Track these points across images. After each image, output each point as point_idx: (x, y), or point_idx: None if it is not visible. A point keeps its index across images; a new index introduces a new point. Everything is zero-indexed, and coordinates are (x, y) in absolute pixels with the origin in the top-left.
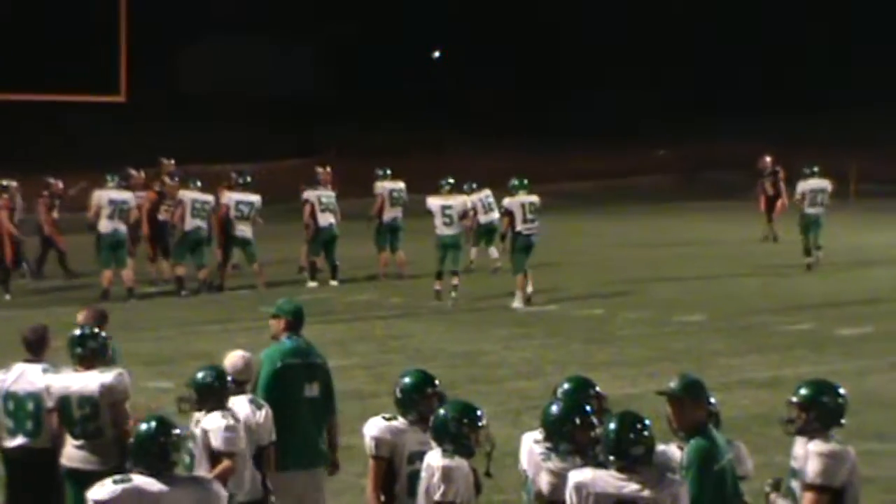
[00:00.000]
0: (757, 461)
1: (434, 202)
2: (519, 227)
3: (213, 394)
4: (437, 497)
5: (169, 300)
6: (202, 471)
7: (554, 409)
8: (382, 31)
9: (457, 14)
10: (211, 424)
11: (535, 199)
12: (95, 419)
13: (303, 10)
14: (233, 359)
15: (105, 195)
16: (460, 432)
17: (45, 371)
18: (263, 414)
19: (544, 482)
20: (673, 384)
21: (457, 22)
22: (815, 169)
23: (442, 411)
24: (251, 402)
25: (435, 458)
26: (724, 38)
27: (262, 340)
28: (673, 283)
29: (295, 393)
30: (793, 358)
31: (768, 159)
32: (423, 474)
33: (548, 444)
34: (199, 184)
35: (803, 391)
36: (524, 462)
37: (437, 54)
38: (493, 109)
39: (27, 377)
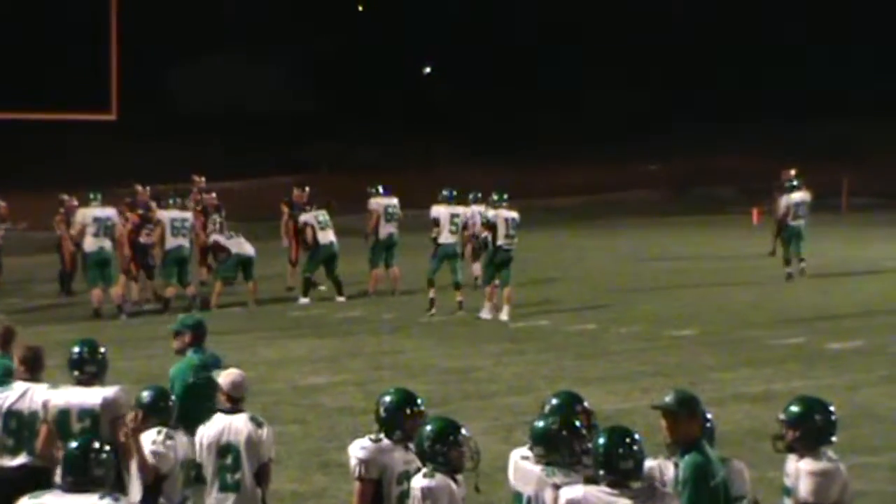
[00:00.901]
0: (749, 476)
1: (442, 210)
2: (500, 241)
3: (156, 412)
4: None
5: (160, 318)
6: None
7: (541, 423)
8: (369, 46)
9: (445, 29)
10: (145, 440)
11: (515, 215)
12: (94, 433)
13: (288, 25)
14: (229, 377)
15: (89, 213)
16: (438, 450)
17: (49, 389)
18: (265, 432)
19: (549, 497)
20: (668, 398)
21: (446, 37)
22: (795, 182)
23: (423, 431)
24: (251, 419)
25: (416, 480)
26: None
27: (255, 357)
28: (665, 297)
29: (209, 405)
30: (785, 372)
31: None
32: (413, 499)
33: (541, 459)
34: (178, 200)
35: (793, 408)
36: (516, 479)
37: (427, 70)
38: (482, 123)
39: (32, 396)
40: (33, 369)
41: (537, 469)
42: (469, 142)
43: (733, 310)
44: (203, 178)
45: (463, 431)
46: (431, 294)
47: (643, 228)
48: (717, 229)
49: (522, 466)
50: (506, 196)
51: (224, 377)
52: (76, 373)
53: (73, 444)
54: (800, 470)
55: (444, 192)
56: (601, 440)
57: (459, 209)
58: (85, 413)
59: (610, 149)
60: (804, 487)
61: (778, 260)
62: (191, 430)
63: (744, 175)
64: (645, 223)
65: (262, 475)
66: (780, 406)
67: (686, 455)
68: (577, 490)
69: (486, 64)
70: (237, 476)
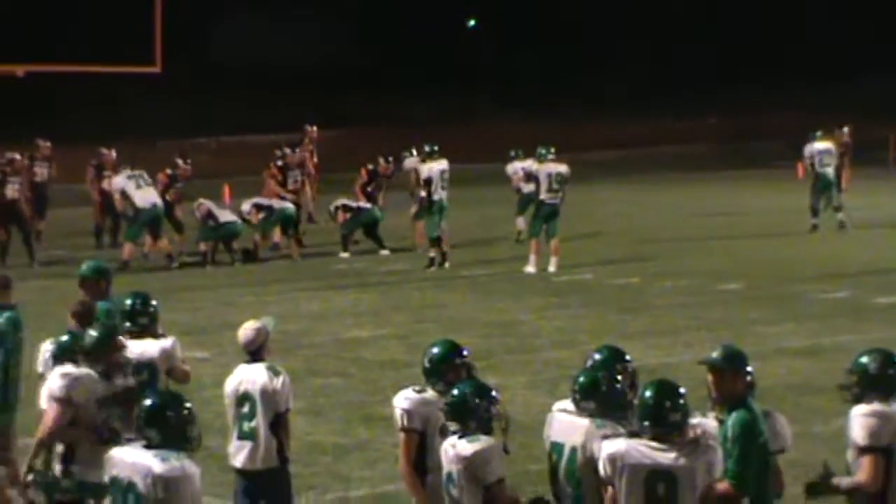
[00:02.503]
0: (793, 431)
1: (433, 167)
2: (543, 195)
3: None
4: (485, 483)
5: (205, 271)
6: None
7: (588, 376)
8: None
9: None
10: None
11: (563, 168)
12: (153, 384)
13: None
14: (241, 333)
15: (120, 179)
16: (480, 407)
17: None
18: (280, 381)
19: (597, 449)
20: (715, 354)
21: None
22: (819, 133)
23: (454, 393)
24: (268, 369)
25: (462, 448)
26: (766, 7)
27: (298, 310)
28: (709, 251)
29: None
30: (831, 326)
31: (846, 130)
32: (454, 466)
33: (586, 411)
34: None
35: (863, 360)
36: (557, 431)
37: (472, 23)
38: (526, 78)
39: None
40: (84, 323)
41: (585, 421)
42: (511, 96)
43: (778, 264)
44: (315, 129)
45: (494, 394)
46: (432, 252)
47: (688, 183)
48: (762, 183)
49: (565, 418)
50: (552, 150)
51: (239, 333)
52: (128, 324)
53: (151, 401)
54: (853, 415)
55: (427, 149)
56: (647, 392)
57: (444, 163)
58: (143, 365)
59: (655, 103)
60: (856, 431)
61: (825, 215)
62: None
63: (789, 129)
64: (690, 177)
65: (278, 425)
66: (826, 361)
67: (734, 412)
68: (620, 443)
69: (530, 17)
70: (252, 424)
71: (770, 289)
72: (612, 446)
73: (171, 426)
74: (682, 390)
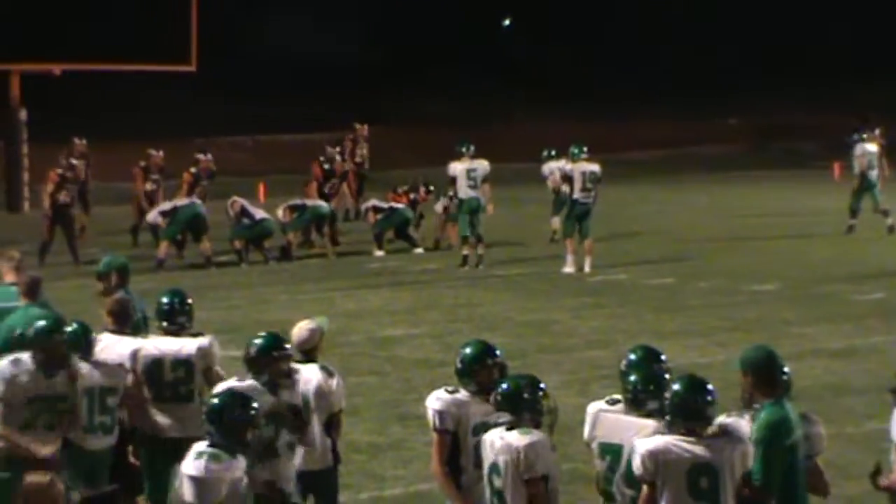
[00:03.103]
0: (827, 432)
1: (458, 166)
2: (576, 194)
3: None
4: (528, 476)
5: (239, 269)
6: None
7: (633, 377)
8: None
9: None
10: None
11: (596, 168)
12: (189, 383)
13: None
14: (295, 333)
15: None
16: (535, 400)
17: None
18: (335, 381)
19: None
20: (748, 354)
21: None
22: (864, 135)
23: (506, 384)
24: (322, 369)
25: (514, 439)
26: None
27: (332, 309)
28: (744, 252)
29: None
30: (866, 328)
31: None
32: (502, 457)
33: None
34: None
35: None
36: (606, 432)
37: (507, 22)
38: (562, 78)
39: (116, 348)
40: (120, 321)
41: (649, 421)
42: (548, 96)
43: (814, 265)
44: (365, 127)
45: (544, 388)
46: (465, 251)
47: (723, 183)
48: (797, 184)
49: (615, 418)
50: (585, 149)
51: (293, 332)
52: (165, 323)
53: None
54: (893, 414)
55: (462, 148)
56: (678, 387)
57: (476, 163)
58: (179, 363)
59: (690, 103)
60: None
61: (863, 215)
62: None
63: (826, 129)
64: (725, 178)
65: (332, 425)
66: (860, 362)
67: (763, 412)
68: (657, 440)
69: (566, 17)
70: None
71: (805, 289)
72: (650, 443)
73: (228, 427)
74: (710, 385)
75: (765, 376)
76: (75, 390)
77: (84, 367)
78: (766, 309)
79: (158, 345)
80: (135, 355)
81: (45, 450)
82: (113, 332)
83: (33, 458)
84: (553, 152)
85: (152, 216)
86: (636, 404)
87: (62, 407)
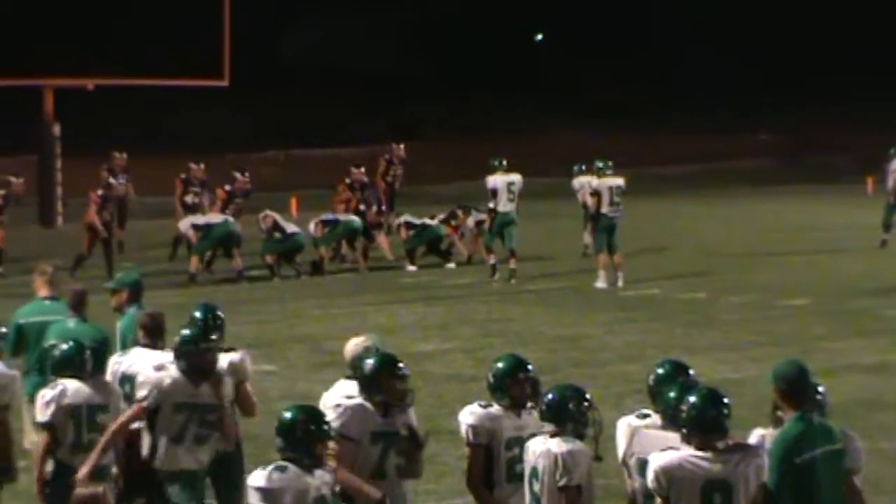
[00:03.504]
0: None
1: (498, 179)
2: (605, 208)
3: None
4: (562, 483)
5: (271, 284)
6: None
7: (672, 393)
8: (481, 10)
9: None
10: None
11: (620, 181)
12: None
13: None
14: (351, 348)
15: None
16: (580, 412)
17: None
18: None
19: None
20: (778, 367)
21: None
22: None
23: (551, 395)
24: None
25: (554, 445)
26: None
27: (365, 323)
28: (777, 266)
29: None
30: None
31: None
32: (541, 461)
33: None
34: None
35: None
36: (645, 446)
37: (539, 37)
38: (595, 91)
39: (149, 362)
40: (153, 335)
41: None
42: (581, 110)
43: (846, 280)
44: (402, 147)
45: (590, 399)
46: (492, 260)
47: (756, 197)
48: (830, 198)
49: (655, 433)
50: (610, 164)
51: (346, 348)
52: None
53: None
54: None
55: (495, 162)
56: (694, 400)
57: (514, 176)
58: None
59: (723, 117)
60: None
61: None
62: None
63: (859, 144)
64: (758, 192)
65: None
66: (893, 377)
67: (786, 425)
68: (671, 455)
69: (598, 32)
70: None
71: (838, 304)
72: (663, 458)
73: (297, 441)
74: (726, 398)
75: (793, 389)
76: (222, 399)
77: (72, 384)
78: (799, 324)
79: None
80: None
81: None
82: (146, 346)
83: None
84: (584, 167)
85: (184, 226)
86: (675, 420)
87: (210, 418)
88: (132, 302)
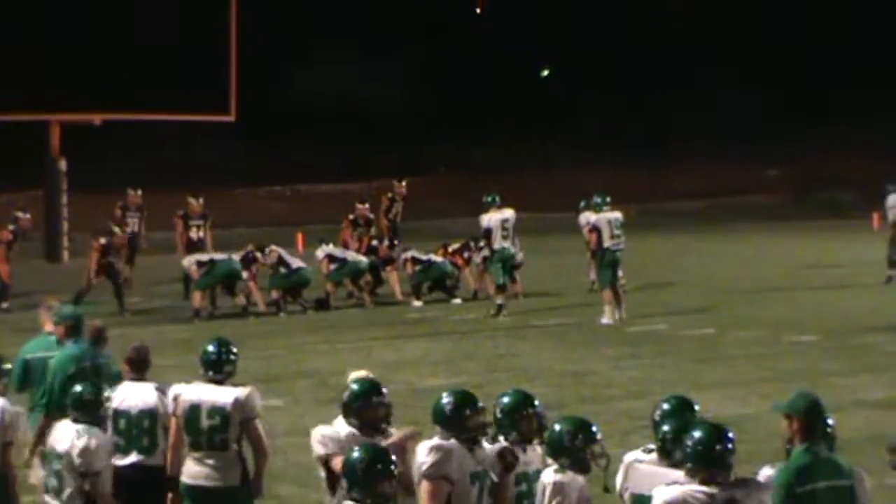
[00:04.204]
0: (869, 483)
1: (492, 217)
2: (607, 242)
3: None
4: None
5: (278, 318)
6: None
7: (665, 426)
8: (485, 47)
9: (561, 30)
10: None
11: (619, 215)
12: (224, 431)
13: (402, 24)
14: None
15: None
16: (575, 446)
17: (157, 389)
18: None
19: None
20: (793, 399)
21: (563, 39)
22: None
23: (557, 427)
24: None
25: (548, 475)
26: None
27: (371, 359)
28: (784, 302)
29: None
30: None
31: None
32: (538, 494)
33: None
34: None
35: None
36: (645, 482)
37: (545, 73)
38: (600, 127)
39: (140, 395)
40: (138, 369)
41: (679, 472)
42: (586, 145)
43: (854, 315)
44: (404, 184)
45: (594, 430)
46: (500, 300)
47: (763, 233)
48: (837, 234)
49: (647, 469)
50: (608, 198)
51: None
52: (211, 372)
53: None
54: None
55: (488, 199)
56: (698, 434)
57: (507, 213)
58: (216, 411)
59: (731, 153)
60: None
61: None
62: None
63: (865, 180)
64: (765, 227)
65: None
66: None
67: (792, 455)
68: (675, 490)
69: (603, 67)
70: None
71: (845, 340)
72: (667, 493)
73: (362, 481)
74: (730, 433)
75: (806, 422)
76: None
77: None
78: (807, 360)
79: (198, 392)
80: (176, 399)
81: None
82: (133, 380)
83: None
84: (588, 203)
85: (188, 262)
86: (667, 454)
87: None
88: (69, 337)
